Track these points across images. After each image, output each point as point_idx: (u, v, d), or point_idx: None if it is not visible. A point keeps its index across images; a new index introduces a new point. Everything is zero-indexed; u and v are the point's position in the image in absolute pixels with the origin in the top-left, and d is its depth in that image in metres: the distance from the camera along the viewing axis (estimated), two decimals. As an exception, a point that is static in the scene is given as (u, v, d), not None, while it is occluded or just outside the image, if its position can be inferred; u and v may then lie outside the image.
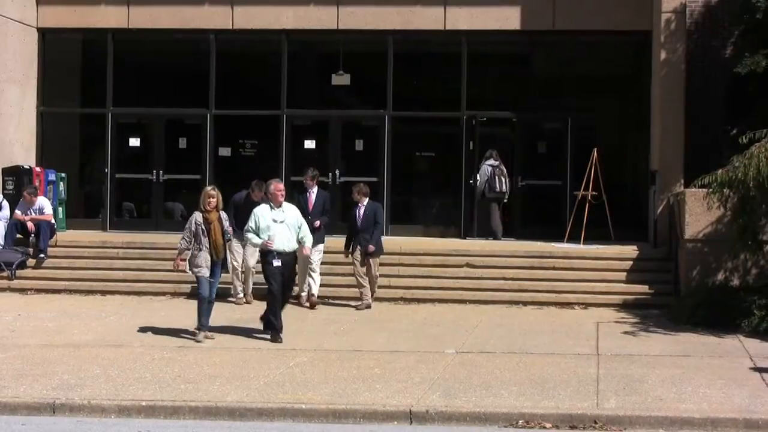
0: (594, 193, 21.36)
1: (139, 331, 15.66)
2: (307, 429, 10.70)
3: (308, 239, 15.52)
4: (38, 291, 19.67)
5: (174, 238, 21.52)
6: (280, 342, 14.63)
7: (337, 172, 23.39)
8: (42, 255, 20.54)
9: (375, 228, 17.93)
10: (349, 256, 18.03)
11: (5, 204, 21.29)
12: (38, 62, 24.30)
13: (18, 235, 20.73)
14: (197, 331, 14.93)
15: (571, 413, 10.81)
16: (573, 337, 15.35)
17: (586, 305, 18.35)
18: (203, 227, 14.81)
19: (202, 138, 23.97)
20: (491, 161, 22.47)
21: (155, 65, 25.18)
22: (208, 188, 15.30)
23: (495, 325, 16.44)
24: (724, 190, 15.79)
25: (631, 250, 19.96)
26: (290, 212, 15.27)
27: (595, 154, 21.38)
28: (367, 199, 18.07)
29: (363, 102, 24.40)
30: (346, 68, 23.80)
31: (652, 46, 21.83)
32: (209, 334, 14.94)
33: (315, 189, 18.57)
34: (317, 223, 18.00)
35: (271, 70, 24.20)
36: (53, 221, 21.26)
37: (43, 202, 21.18)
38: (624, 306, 18.18)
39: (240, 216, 17.32)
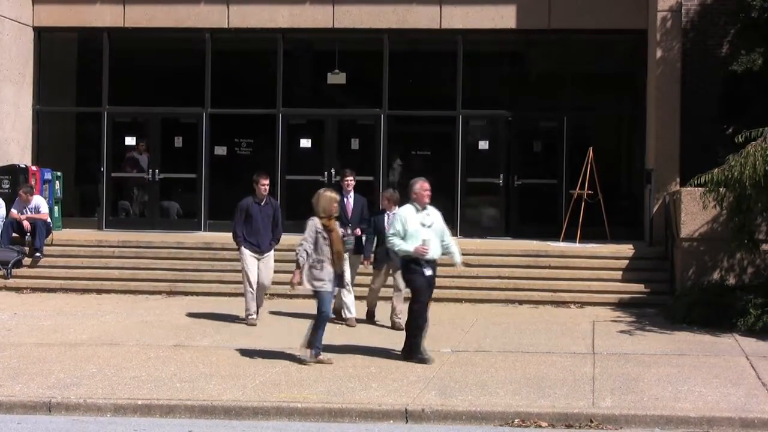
0: (590, 191, 21.38)
1: (135, 329, 15.64)
2: (303, 428, 10.70)
3: (456, 250, 13.74)
4: (34, 290, 19.66)
5: (169, 237, 21.67)
6: (429, 363, 13.12)
7: (332, 171, 23.38)
8: (38, 254, 20.54)
9: None
10: (369, 266, 16.28)
11: (1, 203, 21.29)
12: (34, 61, 24.30)
13: (14, 234, 20.74)
14: (308, 352, 13.15)
15: (567, 412, 10.81)
16: (569, 336, 15.35)
17: (582, 304, 18.37)
18: (324, 235, 13.14)
19: (197, 137, 23.96)
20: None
21: (151, 64, 25.15)
22: (331, 192, 13.55)
23: (491, 324, 16.45)
24: (720, 189, 15.80)
25: (626, 249, 19.98)
26: (436, 216, 13.47)
27: (591, 152, 21.40)
28: (397, 207, 15.60)
29: (359, 101, 24.39)
30: (341, 67, 23.81)
31: (648, 45, 21.84)
32: (327, 357, 13.23)
33: (352, 193, 16.75)
34: (358, 231, 16.40)
35: (266, 69, 24.22)
36: (49, 220, 21.24)
37: (39, 201, 21.17)
38: (620, 305, 18.20)
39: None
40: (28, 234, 20.69)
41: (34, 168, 22.86)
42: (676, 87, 20.92)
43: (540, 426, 10.63)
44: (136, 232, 23.02)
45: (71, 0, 24.05)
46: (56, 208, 23.18)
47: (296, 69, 24.40)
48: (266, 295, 19.02)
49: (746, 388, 11.86)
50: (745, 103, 19.75)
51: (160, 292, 19.44)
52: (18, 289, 19.69)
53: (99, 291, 19.55)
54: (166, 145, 24.39)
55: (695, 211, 17.77)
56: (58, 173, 23.53)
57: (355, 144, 24.01)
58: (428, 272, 13.20)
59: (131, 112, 24.89)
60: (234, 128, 24.40)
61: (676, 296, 17.66)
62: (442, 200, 23.48)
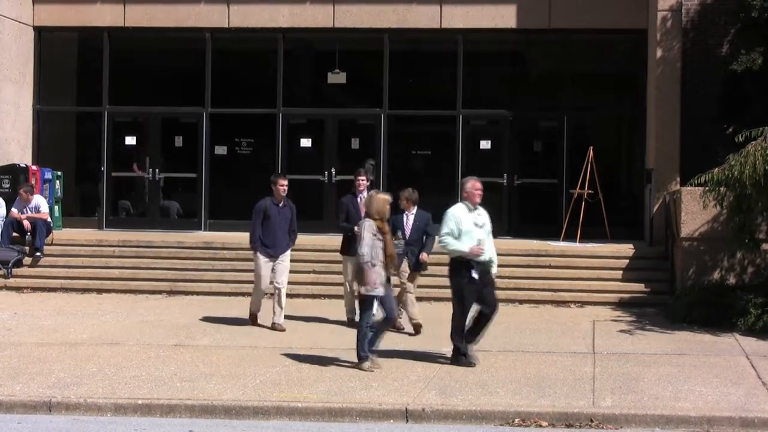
0: (590, 191, 21.38)
1: (135, 329, 15.65)
2: (303, 427, 10.69)
3: (495, 257, 13.35)
4: (34, 289, 19.66)
5: (170, 237, 21.67)
6: (470, 366, 12.93)
7: (332, 170, 23.38)
8: (38, 253, 20.54)
9: (428, 240, 15.52)
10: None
11: (1, 202, 21.29)
12: (34, 60, 24.30)
13: (14, 234, 20.73)
14: (361, 361, 12.76)
15: (567, 412, 10.81)
16: (569, 336, 15.35)
17: (582, 304, 18.37)
18: (379, 237, 12.75)
19: (197, 136, 23.96)
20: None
21: (151, 64, 25.15)
22: (384, 194, 13.25)
23: (491, 323, 16.43)
24: (720, 189, 15.79)
25: (627, 249, 19.97)
26: (486, 216, 13.17)
27: (591, 152, 21.40)
28: (416, 207, 15.70)
29: (359, 100, 24.39)
30: (341, 67, 23.82)
31: (648, 45, 21.84)
32: (376, 360, 12.85)
33: (365, 193, 15.83)
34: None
35: (266, 68, 24.22)
36: (49, 219, 21.24)
37: (40, 201, 21.18)
38: (620, 304, 18.20)
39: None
40: (29, 233, 20.69)
41: (34, 167, 22.85)
42: (676, 86, 20.91)
43: (540, 425, 10.64)
44: (137, 231, 23.03)
45: (72, 0, 24.06)
46: (56, 207, 23.18)
47: (296, 69, 24.41)
48: (266, 295, 19.06)
49: (746, 388, 11.86)
50: (745, 102, 19.75)
51: (160, 292, 19.44)
52: (18, 289, 19.69)
53: (99, 290, 19.55)
54: (167, 145, 24.39)
55: (695, 211, 17.77)
56: (59, 173, 23.53)
57: (355, 144, 24.01)
58: (475, 275, 12.79)
59: (131, 112, 24.89)
60: (234, 128, 24.39)
61: (677, 296, 17.65)
62: (442, 200, 23.58)
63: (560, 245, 20.74)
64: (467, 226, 12.84)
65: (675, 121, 20.83)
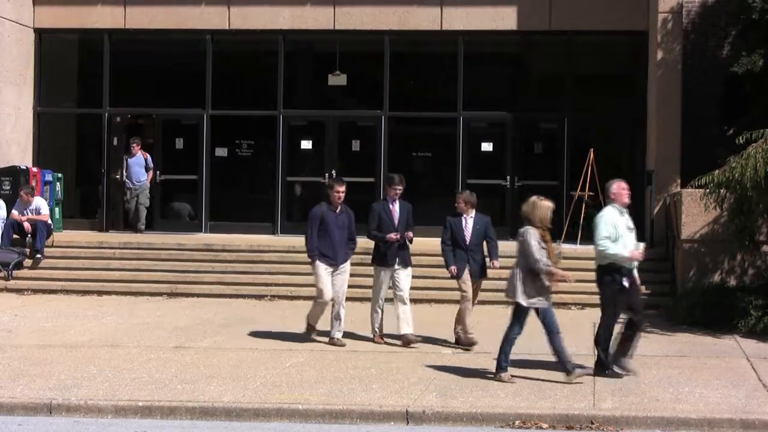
0: (591, 193, 21.36)
1: (136, 331, 15.64)
2: (304, 429, 10.70)
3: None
4: (35, 291, 19.65)
5: (170, 239, 21.66)
6: (617, 377, 12.42)
7: (333, 172, 23.38)
8: (39, 255, 20.53)
9: (491, 245, 14.99)
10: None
11: (2, 204, 21.31)
12: (35, 62, 24.31)
13: (15, 236, 20.72)
14: (499, 373, 12.40)
15: (568, 414, 10.81)
16: (570, 338, 15.21)
17: (583, 305, 18.36)
18: (542, 246, 12.34)
19: (198, 138, 23.96)
20: None
21: (152, 65, 25.15)
22: (548, 201, 12.69)
23: (492, 325, 16.36)
24: (721, 191, 15.80)
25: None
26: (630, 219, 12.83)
27: (592, 154, 21.39)
28: (474, 210, 14.87)
29: (359, 102, 24.40)
30: (342, 68, 23.82)
31: (649, 46, 21.85)
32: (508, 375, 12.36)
33: (398, 201, 14.98)
34: (409, 234, 14.90)
35: (267, 70, 24.21)
36: (50, 221, 21.24)
37: (40, 203, 21.18)
38: (620, 306, 18.14)
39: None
40: (29, 235, 20.69)
41: (34, 169, 22.85)
42: (677, 88, 20.92)
43: (541, 427, 10.63)
44: (137, 233, 23.04)
45: (72, 1, 24.07)
46: (57, 209, 23.18)
47: (297, 70, 24.42)
48: (267, 297, 19.08)
49: (747, 390, 11.85)
50: (745, 104, 19.76)
51: (160, 294, 19.43)
52: (19, 291, 19.69)
53: (100, 292, 19.54)
54: (167, 147, 24.39)
55: (696, 213, 17.76)
56: (59, 175, 23.53)
57: (355, 145, 24.01)
58: (626, 282, 12.43)
59: (132, 114, 24.90)
60: (235, 130, 24.40)
61: (677, 297, 17.64)
62: (442, 201, 23.59)
63: (560, 247, 20.67)
64: (621, 230, 12.49)
65: (675, 122, 20.83)
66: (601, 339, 12.72)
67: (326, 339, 14.64)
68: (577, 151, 22.51)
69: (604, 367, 12.58)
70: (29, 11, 24.01)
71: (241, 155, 24.44)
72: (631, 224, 12.69)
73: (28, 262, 20.52)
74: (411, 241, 14.93)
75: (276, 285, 19.43)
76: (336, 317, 14.64)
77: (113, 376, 12.42)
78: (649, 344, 14.74)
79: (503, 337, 12.44)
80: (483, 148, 23.56)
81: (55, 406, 11.20)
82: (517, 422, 10.73)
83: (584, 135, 23.32)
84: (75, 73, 25.63)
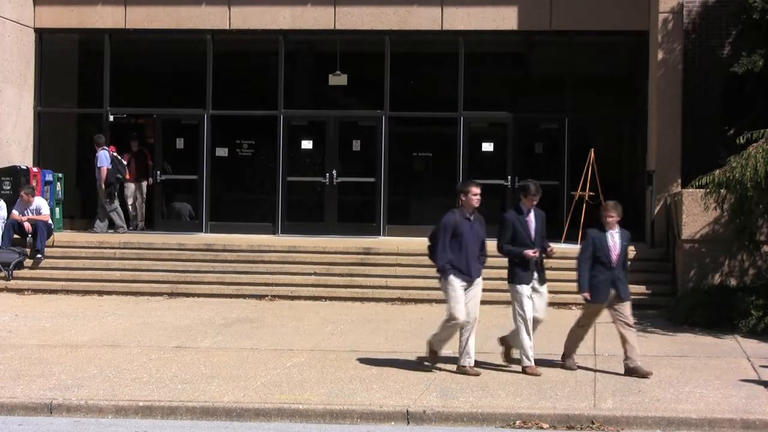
0: (591, 193, 21.36)
1: (136, 331, 15.64)
2: (304, 429, 10.69)
3: None
4: (35, 291, 19.66)
5: (170, 239, 21.66)
6: None
7: (334, 172, 23.38)
8: (39, 255, 20.54)
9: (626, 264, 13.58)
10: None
11: (2, 204, 21.32)
12: (35, 62, 24.31)
13: (15, 236, 20.74)
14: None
15: (568, 414, 10.81)
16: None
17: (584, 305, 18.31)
18: None
19: (199, 138, 23.96)
20: None
21: (152, 65, 25.19)
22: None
23: (492, 325, 16.39)
24: (721, 191, 15.80)
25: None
26: None
27: (592, 154, 21.39)
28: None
29: (360, 102, 24.40)
30: (343, 68, 23.82)
31: (649, 46, 21.85)
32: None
33: (533, 210, 13.21)
34: (553, 248, 13.40)
35: (268, 70, 24.22)
36: (50, 221, 21.25)
37: (41, 203, 21.18)
38: (621, 306, 18.15)
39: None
40: (29, 235, 20.70)
41: (35, 169, 22.86)
42: (678, 88, 20.91)
43: (541, 427, 10.64)
44: (137, 233, 23.05)
45: (72, 1, 24.07)
46: (57, 209, 23.20)
47: (298, 70, 24.44)
48: (268, 297, 19.08)
49: (748, 390, 11.85)
50: (746, 104, 19.76)
51: (161, 294, 19.44)
52: (19, 291, 19.70)
53: (100, 292, 19.55)
54: (168, 147, 24.39)
55: (696, 213, 17.76)
56: (60, 175, 23.54)
57: (356, 145, 24.01)
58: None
59: (132, 114, 24.90)
60: (235, 129, 24.41)
61: (678, 298, 17.65)
62: (443, 202, 23.58)
63: (561, 247, 20.58)
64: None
65: (676, 122, 20.83)
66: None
67: (453, 366, 12.89)
68: (578, 151, 22.52)
69: None
70: (30, 11, 24.01)
71: (242, 155, 24.44)
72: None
73: (28, 262, 20.52)
74: (551, 256, 13.29)
75: (276, 285, 19.45)
76: (468, 341, 12.82)
77: (114, 376, 12.43)
78: (650, 344, 14.76)
79: None
80: (483, 148, 23.56)
81: (55, 406, 11.20)
82: (517, 422, 10.73)
83: (585, 135, 23.34)
84: (75, 73, 25.64)
